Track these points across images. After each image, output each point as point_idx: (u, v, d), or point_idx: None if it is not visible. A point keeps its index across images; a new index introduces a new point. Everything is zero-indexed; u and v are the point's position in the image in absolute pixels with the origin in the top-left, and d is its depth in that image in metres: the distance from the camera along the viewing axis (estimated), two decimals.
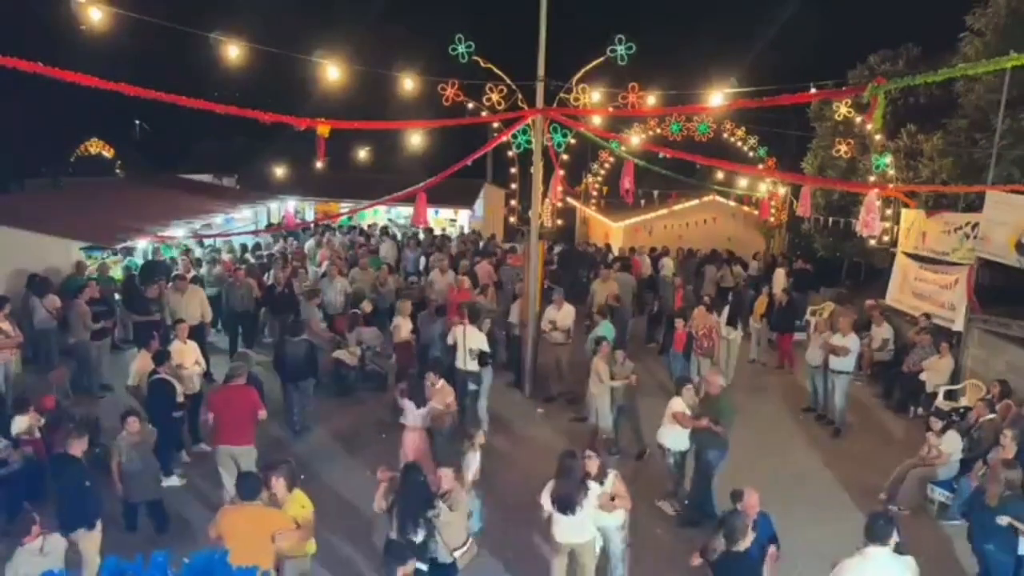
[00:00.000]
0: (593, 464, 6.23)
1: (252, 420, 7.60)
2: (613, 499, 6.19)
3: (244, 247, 17.20)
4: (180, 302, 11.38)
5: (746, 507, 5.80)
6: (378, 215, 25.70)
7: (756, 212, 22.51)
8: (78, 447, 6.26)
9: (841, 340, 10.46)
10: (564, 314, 11.39)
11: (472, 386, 9.87)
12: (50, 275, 11.66)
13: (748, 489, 5.99)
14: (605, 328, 10.67)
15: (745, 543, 5.19)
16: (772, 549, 5.79)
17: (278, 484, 5.66)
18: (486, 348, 9.92)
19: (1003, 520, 6.25)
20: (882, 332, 12.56)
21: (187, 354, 9.15)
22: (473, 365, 9.81)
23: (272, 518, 5.48)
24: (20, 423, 7.82)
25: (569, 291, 13.01)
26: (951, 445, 8.34)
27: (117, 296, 12.73)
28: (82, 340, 10.71)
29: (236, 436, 7.49)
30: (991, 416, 8.68)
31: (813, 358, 11.03)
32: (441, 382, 8.18)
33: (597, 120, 14.01)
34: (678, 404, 7.90)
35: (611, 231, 24.98)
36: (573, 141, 14.28)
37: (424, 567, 5.69)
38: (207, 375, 10.22)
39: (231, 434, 7.50)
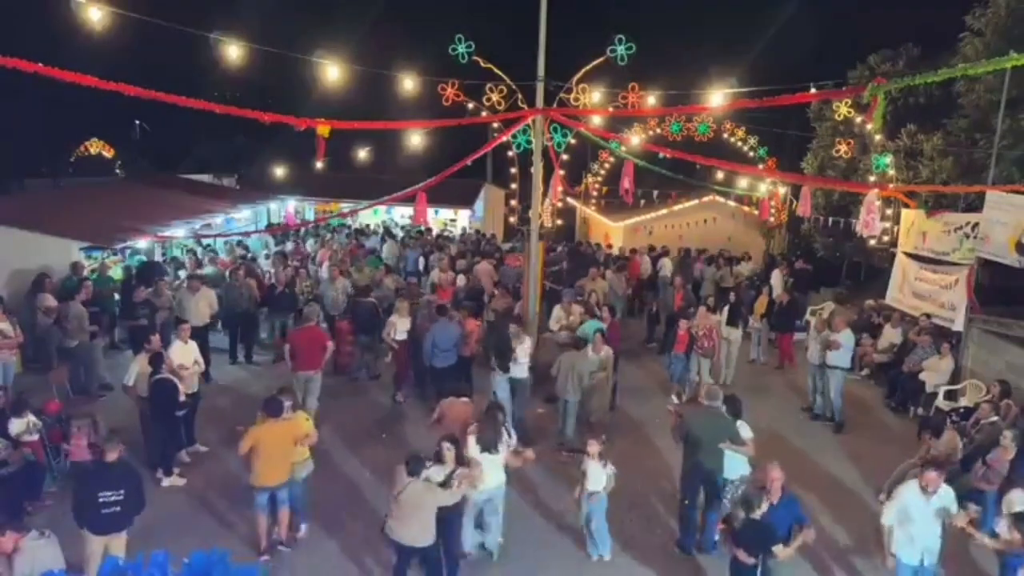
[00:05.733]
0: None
1: (322, 352, 9.75)
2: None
3: (244, 247, 17.21)
4: (191, 301, 11.44)
5: (767, 479, 6.05)
6: (377, 215, 25.72)
7: (756, 212, 22.52)
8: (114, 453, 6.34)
9: (834, 335, 10.54)
10: (573, 315, 11.41)
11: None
12: (50, 275, 11.65)
13: (772, 465, 6.14)
14: (589, 326, 10.57)
15: (761, 511, 5.75)
16: (808, 531, 5.94)
17: (286, 405, 7.17)
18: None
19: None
20: (892, 335, 12.60)
21: (188, 354, 9.13)
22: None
23: (295, 427, 7.13)
24: (18, 425, 7.83)
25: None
26: (950, 446, 8.34)
27: (117, 296, 12.74)
28: (82, 341, 10.72)
29: (310, 364, 9.62)
30: (994, 419, 8.67)
31: (812, 357, 11.06)
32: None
33: (597, 120, 13.99)
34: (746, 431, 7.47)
35: (611, 231, 24.97)
36: (573, 141, 14.27)
37: None
38: (205, 375, 10.21)
39: (306, 362, 9.61)
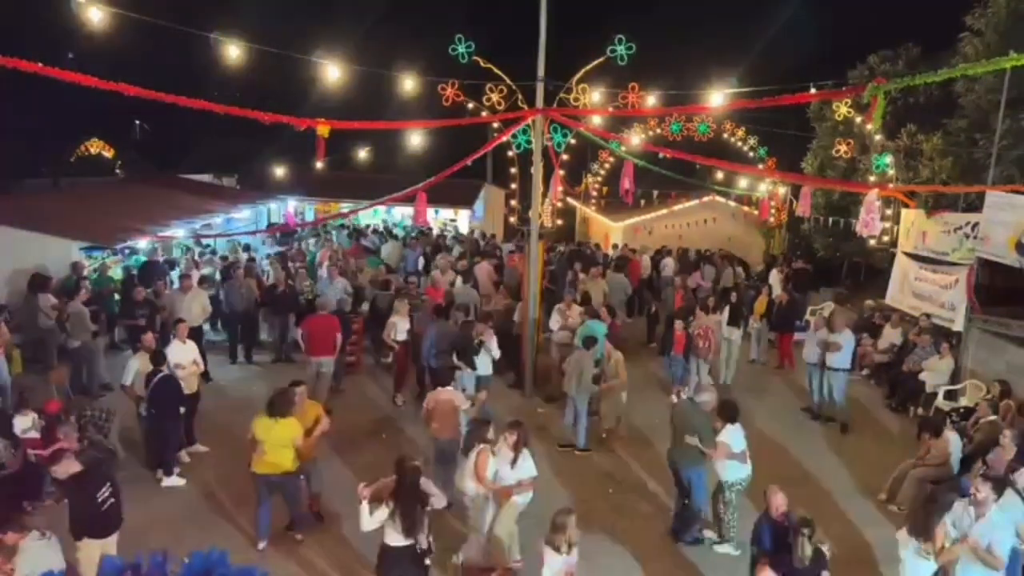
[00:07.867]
0: None
1: (334, 340, 10.22)
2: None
3: (245, 246, 17.22)
4: (183, 302, 11.44)
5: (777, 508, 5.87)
6: (377, 215, 25.74)
7: (756, 212, 22.53)
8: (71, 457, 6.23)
9: (834, 336, 10.52)
10: (573, 315, 11.43)
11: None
12: (48, 275, 11.64)
13: (771, 489, 6.03)
14: (591, 328, 10.55)
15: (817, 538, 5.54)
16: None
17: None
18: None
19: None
20: (892, 335, 12.61)
21: (186, 354, 9.12)
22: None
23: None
24: (24, 421, 7.82)
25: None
26: (950, 446, 8.34)
27: (117, 296, 12.73)
28: (84, 341, 10.71)
29: (323, 350, 10.15)
30: (992, 417, 8.68)
31: (809, 355, 11.05)
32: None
33: (597, 120, 13.99)
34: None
35: (611, 231, 24.99)
36: (573, 141, 14.27)
37: None
38: (205, 375, 10.22)
39: (319, 349, 10.14)
